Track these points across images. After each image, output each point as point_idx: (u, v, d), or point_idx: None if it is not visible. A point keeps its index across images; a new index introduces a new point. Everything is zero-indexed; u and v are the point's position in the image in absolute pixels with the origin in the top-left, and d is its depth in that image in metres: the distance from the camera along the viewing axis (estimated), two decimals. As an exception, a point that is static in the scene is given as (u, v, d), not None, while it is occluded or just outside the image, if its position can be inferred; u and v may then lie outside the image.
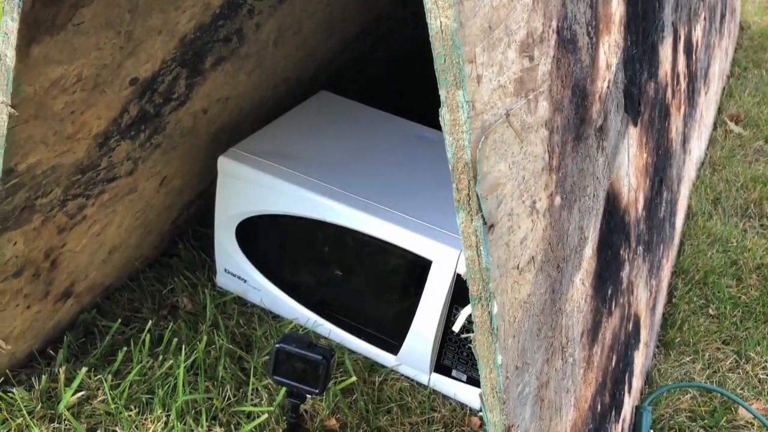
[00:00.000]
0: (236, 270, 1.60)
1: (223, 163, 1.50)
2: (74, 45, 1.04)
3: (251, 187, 1.49)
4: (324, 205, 1.42)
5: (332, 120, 1.69)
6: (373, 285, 1.45)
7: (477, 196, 0.68)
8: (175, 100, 1.36)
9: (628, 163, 1.22)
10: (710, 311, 1.73)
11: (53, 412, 1.34)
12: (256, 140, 1.57)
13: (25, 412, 1.31)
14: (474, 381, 1.43)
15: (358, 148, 1.60)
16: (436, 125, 1.74)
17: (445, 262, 1.34)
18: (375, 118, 1.72)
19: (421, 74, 2.68)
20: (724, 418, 1.46)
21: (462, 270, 1.33)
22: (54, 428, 1.31)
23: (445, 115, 0.66)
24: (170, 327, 1.51)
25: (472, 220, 0.70)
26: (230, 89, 1.53)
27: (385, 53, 2.41)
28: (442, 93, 0.65)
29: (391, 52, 2.46)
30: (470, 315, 1.31)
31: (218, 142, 1.63)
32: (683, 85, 1.74)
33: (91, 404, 1.36)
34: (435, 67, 0.64)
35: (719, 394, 1.51)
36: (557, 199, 0.88)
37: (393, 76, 2.64)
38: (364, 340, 1.51)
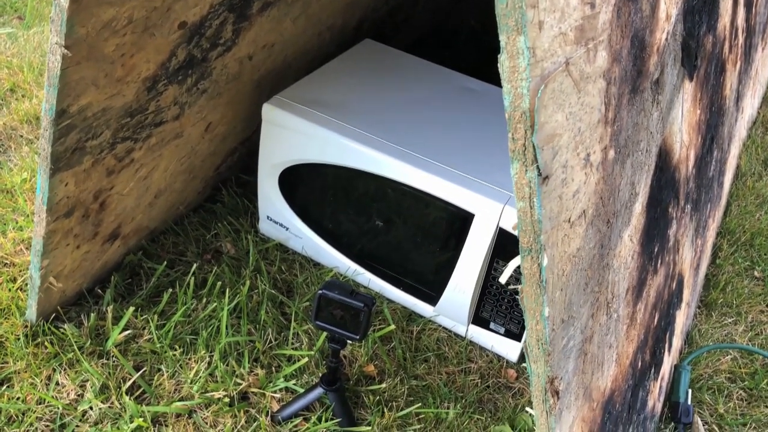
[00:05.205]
0: (278, 217, 1.61)
1: (267, 110, 1.50)
2: (125, -14, 1.03)
3: (295, 135, 1.49)
4: (367, 155, 1.41)
5: (377, 69, 1.67)
6: (413, 236, 1.45)
7: (533, 146, 0.67)
8: (221, 46, 1.36)
9: (682, 119, 1.19)
10: (755, 273, 1.70)
11: (101, 348, 1.38)
12: (300, 88, 1.56)
13: (75, 347, 1.36)
14: (511, 334, 1.44)
15: (403, 98, 1.58)
16: (478, 76, 1.71)
17: (488, 216, 1.34)
18: (419, 68, 1.70)
19: (464, 25, 2.62)
20: (765, 380, 1.45)
21: (504, 224, 1.33)
22: (102, 364, 1.36)
23: (504, 61, 0.64)
24: (214, 271, 1.54)
25: (526, 171, 0.69)
26: (276, 35, 1.52)
27: (429, 2, 2.36)
28: (502, 38, 0.64)
29: (434, 1, 2.41)
30: (518, 267, 1.30)
31: (262, 90, 1.63)
32: (741, 39, 1.67)
33: (137, 343, 1.40)
34: (496, 11, 0.63)
35: (761, 357, 1.49)
36: (611, 153, 0.86)
37: (436, 25, 2.59)
38: (402, 290, 1.53)
